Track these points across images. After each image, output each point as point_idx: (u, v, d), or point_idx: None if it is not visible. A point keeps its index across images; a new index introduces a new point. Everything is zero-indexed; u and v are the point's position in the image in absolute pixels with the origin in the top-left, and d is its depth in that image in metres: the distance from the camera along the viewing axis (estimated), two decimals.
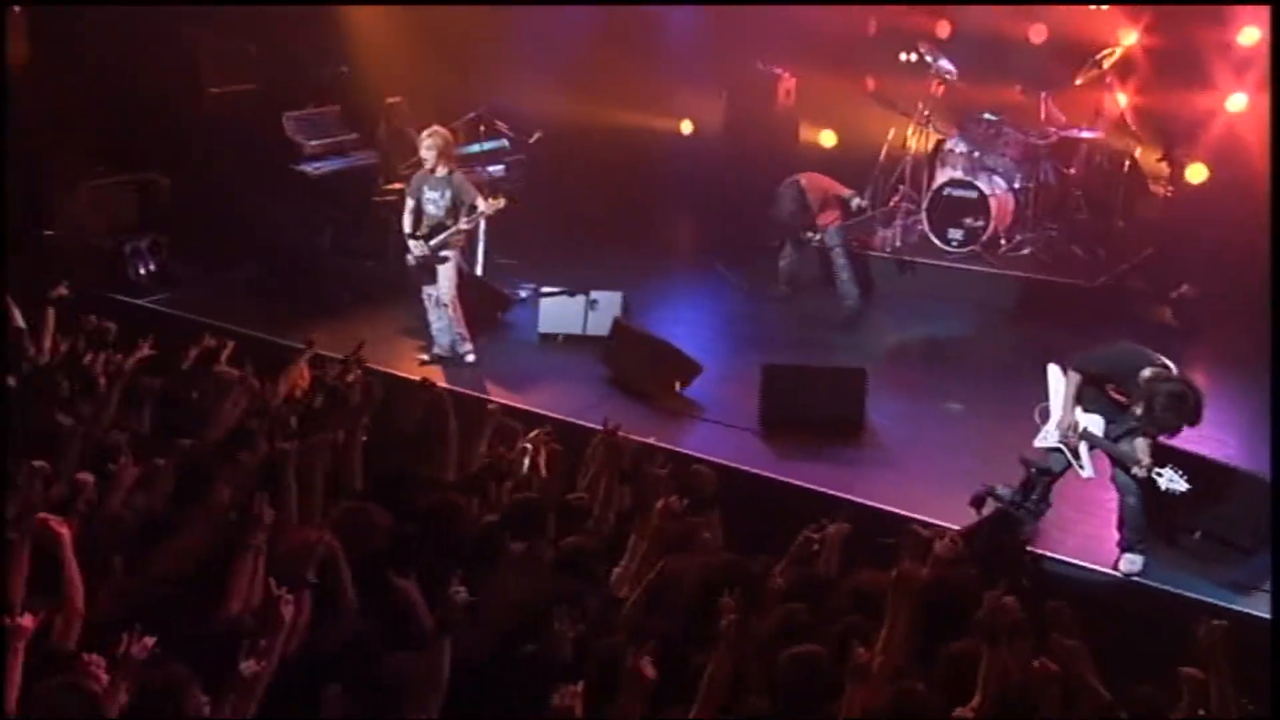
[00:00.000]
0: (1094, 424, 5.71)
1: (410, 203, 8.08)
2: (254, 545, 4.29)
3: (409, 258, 8.11)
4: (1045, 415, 5.87)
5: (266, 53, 10.88)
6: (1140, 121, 10.69)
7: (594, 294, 8.57)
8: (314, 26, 11.11)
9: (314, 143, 10.25)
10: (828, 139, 12.28)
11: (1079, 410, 5.70)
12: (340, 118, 10.61)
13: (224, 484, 4.88)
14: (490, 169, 9.85)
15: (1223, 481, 5.87)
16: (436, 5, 10.85)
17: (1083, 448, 5.73)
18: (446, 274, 8.07)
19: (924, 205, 9.95)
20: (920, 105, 10.52)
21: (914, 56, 10.81)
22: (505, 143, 10.17)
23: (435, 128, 8.15)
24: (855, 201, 9.37)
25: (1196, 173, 10.54)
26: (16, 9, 9.49)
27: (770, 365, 7.18)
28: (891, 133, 10.71)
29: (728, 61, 11.78)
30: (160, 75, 10.35)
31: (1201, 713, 3.63)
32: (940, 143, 10.41)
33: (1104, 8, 10.75)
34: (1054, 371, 5.89)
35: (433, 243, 7.97)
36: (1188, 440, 5.69)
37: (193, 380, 6.61)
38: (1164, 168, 10.36)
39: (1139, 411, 5.43)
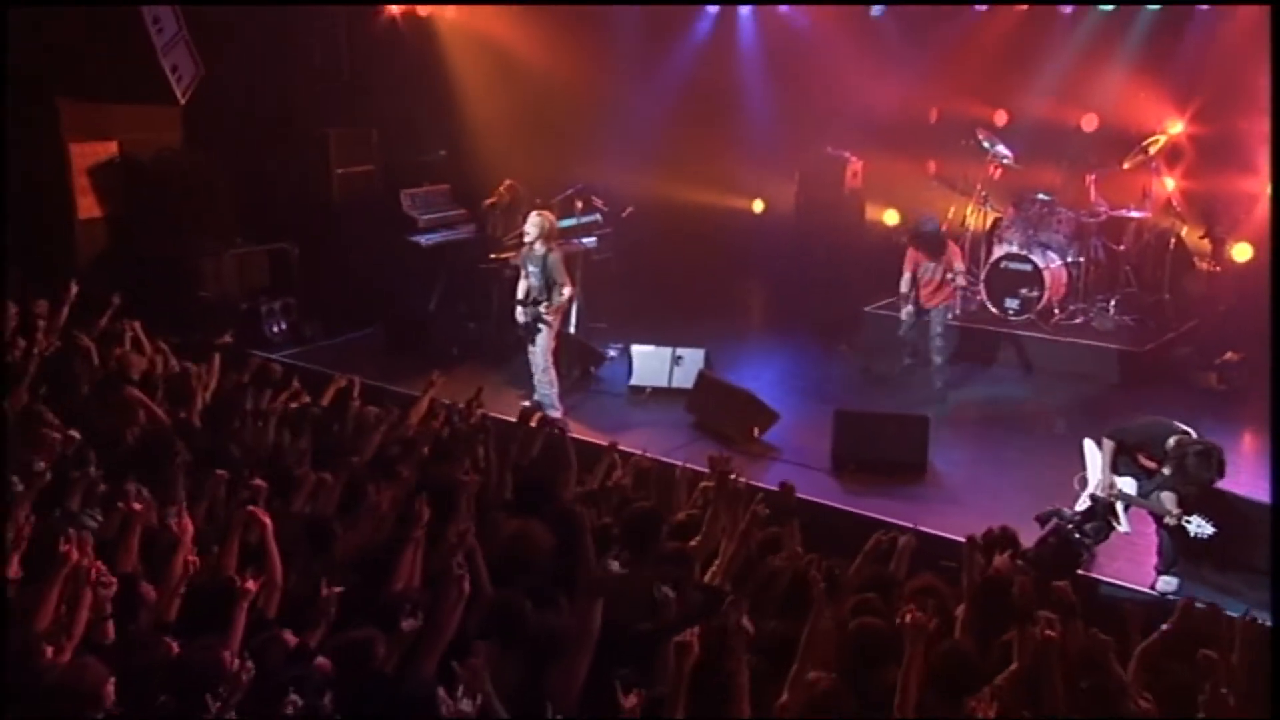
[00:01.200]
0: (1127, 485, 6.56)
1: (522, 274, 9.17)
2: (415, 538, 5.25)
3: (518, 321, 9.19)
4: (1083, 483, 6.72)
5: (385, 138, 12.23)
6: (1185, 203, 11.48)
7: (679, 350, 9.50)
8: (427, 115, 12.47)
9: (426, 217, 11.46)
10: (891, 218, 13.21)
11: (1114, 475, 6.55)
12: (450, 195, 11.82)
13: (384, 493, 5.85)
14: (584, 241, 10.90)
15: (1252, 516, 6.58)
16: (539, 96, 12.16)
17: (1119, 507, 6.54)
18: (541, 341, 9.05)
19: (982, 276, 10.79)
20: (979, 186, 11.43)
21: (973, 142, 11.75)
22: (599, 217, 11.25)
23: (541, 211, 9.25)
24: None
25: (1242, 252, 11.28)
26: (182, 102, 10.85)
27: (842, 410, 8.03)
28: (951, 211, 11.60)
29: (799, 146, 12.81)
30: (294, 158, 11.75)
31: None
32: (997, 220, 11.28)
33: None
34: (1089, 445, 6.78)
35: (528, 314, 9.02)
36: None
37: (331, 415, 7.67)
38: (1207, 245, 11.12)
39: (1168, 472, 6.27)
